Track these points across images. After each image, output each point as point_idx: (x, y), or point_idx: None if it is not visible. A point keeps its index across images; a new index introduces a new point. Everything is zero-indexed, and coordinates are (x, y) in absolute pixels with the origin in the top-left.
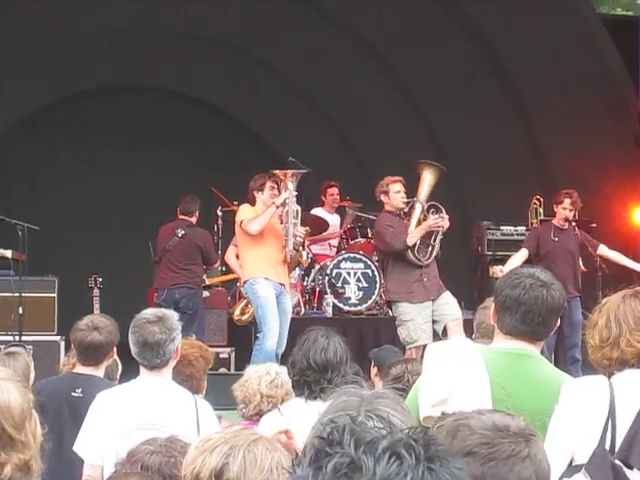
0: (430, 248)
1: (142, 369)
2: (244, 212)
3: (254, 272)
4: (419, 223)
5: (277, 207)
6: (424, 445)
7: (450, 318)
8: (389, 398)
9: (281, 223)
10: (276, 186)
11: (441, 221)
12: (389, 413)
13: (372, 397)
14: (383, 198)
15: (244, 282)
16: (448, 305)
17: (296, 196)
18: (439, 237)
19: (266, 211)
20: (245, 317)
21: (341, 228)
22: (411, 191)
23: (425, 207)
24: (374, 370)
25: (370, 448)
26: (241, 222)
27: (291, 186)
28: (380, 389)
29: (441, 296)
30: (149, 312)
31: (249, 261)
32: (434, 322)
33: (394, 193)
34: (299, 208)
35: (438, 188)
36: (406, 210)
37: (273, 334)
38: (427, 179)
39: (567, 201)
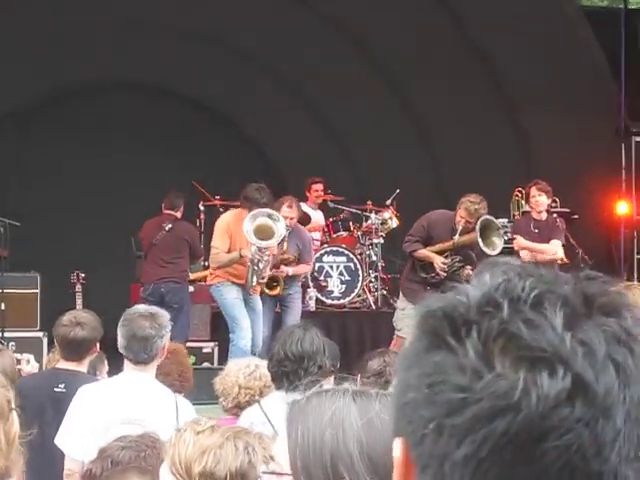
0: (433, 275)
1: (126, 363)
2: (217, 235)
3: (221, 276)
4: (440, 252)
5: (240, 257)
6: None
7: None
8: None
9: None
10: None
11: (443, 270)
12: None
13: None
14: (458, 209)
15: (210, 285)
16: None
17: (265, 204)
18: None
19: (229, 256)
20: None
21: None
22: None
23: (455, 247)
24: None
25: (589, 354)
26: (212, 246)
27: (253, 249)
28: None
29: None
30: (141, 307)
31: (217, 270)
32: None
33: (462, 210)
34: (262, 266)
35: (422, 181)
36: (461, 226)
37: (245, 332)
38: (473, 236)
39: (533, 189)
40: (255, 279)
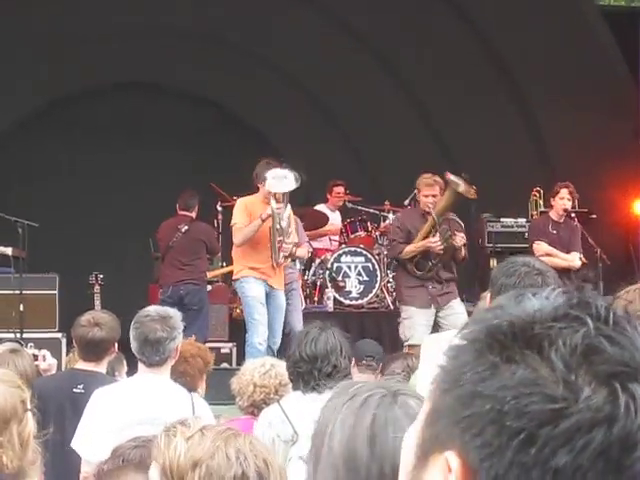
0: (431, 264)
1: (140, 366)
2: (237, 213)
3: (245, 271)
4: (426, 236)
5: (262, 221)
6: None
7: None
8: (409, 387)
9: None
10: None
11: (439, 245)
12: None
13: (392, 385)
14: (416, 194)
15: (234, 279)
16: (457, 316)
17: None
18: (449, 254)
19: (250, 225)
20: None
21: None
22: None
23: (438, 221)
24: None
25: None
26: (231, 225)
27: (274, 204)
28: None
29: (451, 305)
30: (152, 309)
31: (240, 259)
32: (440, 329)
33: (424, 196)
34: (287, 216)
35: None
36: (430, 205)
37: (260, 332)
38: (450, 196)
39: (564, 191)
40: (278, 253)
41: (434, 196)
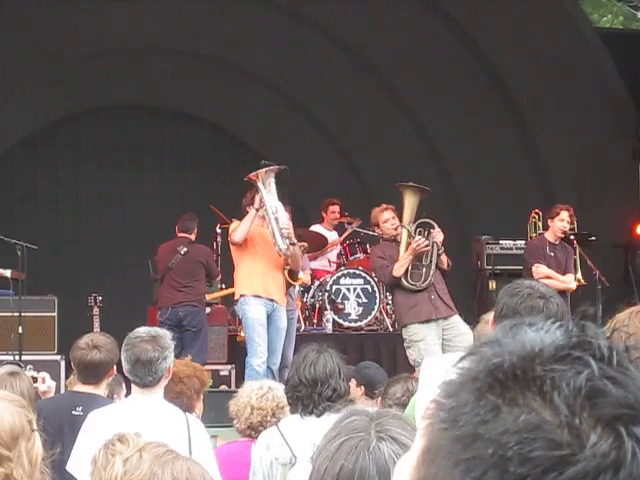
0: (425, 269)
1: (134, 387)
2: (232, 227)
3: (245, 289)
4: (407, 248)
5: (257, 210)
6: None
7: None
8: (398, 418)
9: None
10: None
11: (424, 241)
12: (401, 434)
13: (380, 416)
14: (377, 230)
15: (236, 300)
16: (464, 337)
17: (277, 193)
18: (435, 253)
19: (246, 217)
20: None
21: (340, 241)
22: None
23: (412, 230)
24: (359, 389)
25: None
26: (229, 236)
27: (261, 186)
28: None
29: (453, 324)
30: (142, 330)
31: (241, 277)
32: (446, 351)
33: (383, 223)
34: (279, 204)
35: (437, 203)
36: (392, 226)
37: (259, 353)
38: (408, 202)
39: (565, 214)
40: (281, 239)
41: (393, 217)
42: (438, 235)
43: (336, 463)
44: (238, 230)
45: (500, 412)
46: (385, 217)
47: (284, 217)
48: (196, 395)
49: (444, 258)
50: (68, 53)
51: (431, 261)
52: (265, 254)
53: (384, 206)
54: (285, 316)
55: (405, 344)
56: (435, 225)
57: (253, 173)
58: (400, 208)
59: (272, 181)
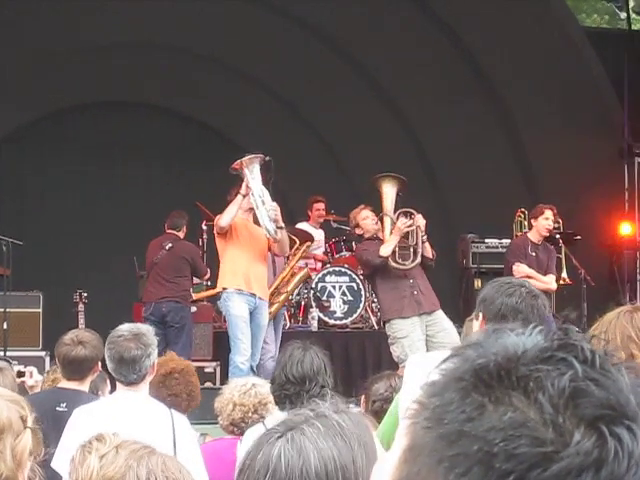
0: (412, 250)
1: (118, 385)
2: (217, 217)
3: (227, 282)
4: (390, 229)
5: (243, 196)
6: None
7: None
8: (330, 425)
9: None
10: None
11: (410, 222)
12: (313, 439)
13: (315, 417)
14: (358, 231)
15: (218, 293)
16: (447, 333)
17: (263, 182)
18: (421, 238)
19: (232, 202)
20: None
21: (326, 242)
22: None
23: (394, 217)
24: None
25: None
26: (214, 227)
27: (247, 172)
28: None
29: (436, 320)
30: (125, 328)
31: (224, 271)
32: (429, 347)
33: (363, 220)
34: (265, 189)
35: (423, 201)
36: (372, 223)
37: (243, 351)
38: (386, 192)
39: (549, 212)
40: (269, 222)
41: (373, 214)
42: (421, 219)
43: (247, 453)
44: (225, 214)
45: (486, 410)
46: (364, 215)
47: (270, 200)
48: (192, 401)
49: (428, 247)
50: (54, 50)
51: (417, 243)
52: (249, 247)
53: (362, 206)
54: (267, 310)
55: (389, 340)
56: (414, 212)
57: (237, 161)
58: (379, 201)
59: (257, 168)
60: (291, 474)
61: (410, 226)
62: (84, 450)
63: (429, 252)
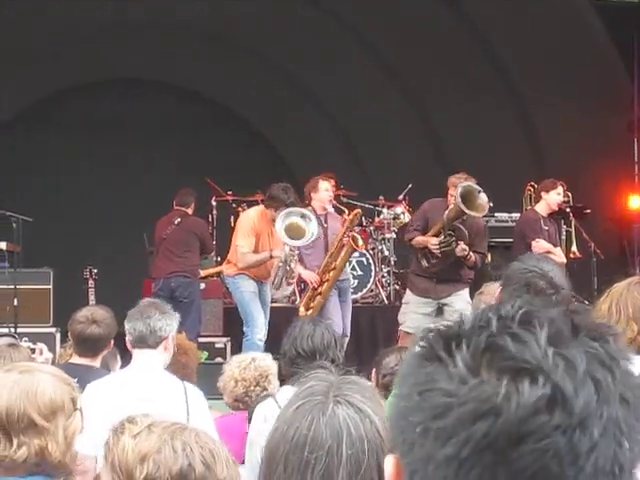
0: (434, 262)
1: (135, 352)
2: (243, 233)
3: (239, 271)
4: (434, 234)
5: (271, 257)
6: (622, 366)
7: None
8: (359, 384)
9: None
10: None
11: (437, 247)
12: (359, 400)
13: (340, 382)
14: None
15: (227, 274)
16: (455, 315)
17: (292, 203)
18: (448, 258)
19: (258, 256)
20: (310, 312)
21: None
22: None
23: (448, 226)
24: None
25: (570, 368)
26: (237, 245)
27: (287, 249)
28: (368, 381)
29: (451, 301)
30: (148, 299)
31: (239, 266)
32: None
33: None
34: (293, 265)
35: (432, 176)
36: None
37: (260, 327)
38: (460, 203)
39: (561, 188)
40: (284, 280)
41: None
42: (460, 250)
43: (291, 427)
44: (247, 263)
45: (414, 370)
46: (452, 191)
47: (293, 265)
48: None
49: (470, 259)
50: (60, 30)
51: (436, 263)
52: (266, 249)
53: (464, 176)
54: (269, 292)
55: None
56: (466, 238)
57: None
58: (447, 202)
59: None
60: (360, 436)
61: (435, 251)
62: (117, 432)
63: (468, 262)
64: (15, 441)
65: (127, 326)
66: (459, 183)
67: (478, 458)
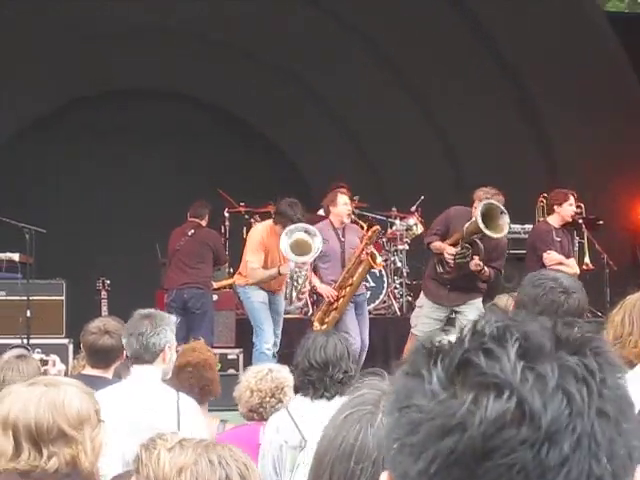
0: (448, 268)
1: (133, 367)
2: (252, 248)
3: (248, 286)
4: (452, 243)
5: (279, 274)
6: (599, 377)
7: None
8: None
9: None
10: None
11: (452, 258)
12: None
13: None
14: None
15: (239, 284)
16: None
17: (298, 219)
18: (462, 270)
19: (267, 272)
20: (324, 327)
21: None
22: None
23: (466, 238)
24: None
25: (539, 382)
26: (247, 260)
27: (292, 265)
28: None
29: (464, 311)
30: (141, 310)
31: (249, 280)
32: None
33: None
34: (301, 281)
35: (444, 187)
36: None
37: (268, 337)
38: (480, 221)
39: (573, 198)
40: (295, 294)
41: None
42: (474, 265)
43: (339, 435)
44: (256, 279)
45: (398, 387)
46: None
47: (302, 281)
48: (204, 395)
49: (484, 273)
50: (72, 39)
51: (451, 271)
52: (276, 264)
53: (493, 192)
54: (283, 301)
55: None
56: (481, 253)
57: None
58: (471, 213)
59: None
60: None
61: (450, 261)
62: (148, 447)
63: (482, 275)
64: (45, 452)
65: (123, 341)
66: (484, 198)
67: (447, 474)
